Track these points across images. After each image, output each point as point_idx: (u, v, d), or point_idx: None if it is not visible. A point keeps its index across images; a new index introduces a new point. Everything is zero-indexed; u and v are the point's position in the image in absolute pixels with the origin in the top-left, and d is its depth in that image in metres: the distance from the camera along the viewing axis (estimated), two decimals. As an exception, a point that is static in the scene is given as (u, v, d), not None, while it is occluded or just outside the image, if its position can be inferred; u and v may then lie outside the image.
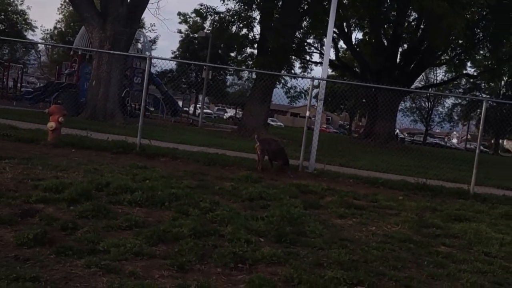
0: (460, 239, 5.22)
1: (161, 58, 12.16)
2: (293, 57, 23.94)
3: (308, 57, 29.82)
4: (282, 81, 22.60)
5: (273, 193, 6.50)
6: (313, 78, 9.10)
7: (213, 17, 23.60)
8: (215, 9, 22.74)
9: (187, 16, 49.29)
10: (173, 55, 51.86)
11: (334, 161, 12.15)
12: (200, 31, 29.02)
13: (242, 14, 20.85)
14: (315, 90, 12.25)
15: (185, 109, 31.26)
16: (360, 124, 70.61)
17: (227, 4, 20.65)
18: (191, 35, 50.20)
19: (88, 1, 17.75)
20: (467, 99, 51.67)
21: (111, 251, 3.38)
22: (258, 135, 9.12)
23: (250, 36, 21.98)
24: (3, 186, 5.06)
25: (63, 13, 60.49)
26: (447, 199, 8.29)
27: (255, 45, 22.03)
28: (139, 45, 31.44)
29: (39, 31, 70.96)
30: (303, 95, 23.72)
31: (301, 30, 23.69)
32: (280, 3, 20.69)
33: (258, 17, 21.07)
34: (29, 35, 57.47)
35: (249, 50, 22.75)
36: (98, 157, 8.26)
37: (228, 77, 58.87)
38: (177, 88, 51.48)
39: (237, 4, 20.97)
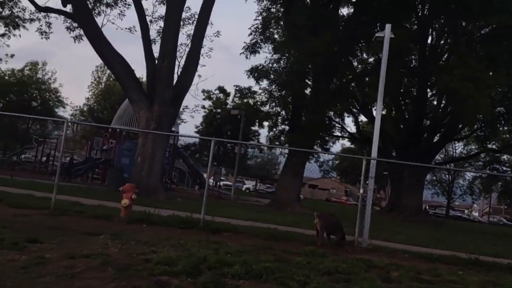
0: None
1: (218, 139, 13.01)
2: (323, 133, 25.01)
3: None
4: (316, 156, 23.48)
5: (346, 267, 7.00)
6: (365, 158, 9.81)
7: (248, 97, 25.00)
8: (250, 88, 24.22)
9: (211, 93, 51.86)
10: (196, 130, 53.67)
11: (376, 236, 12.59)
12: (233, 110, 30.53)
13: (276, 94, 22.21)
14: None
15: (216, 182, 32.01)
16: (379, 196, 70.39)
17: (261, 85, 22.13)
18: (214, 111, 52.28)
19: (137, 85, 19.21)
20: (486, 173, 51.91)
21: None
22: (317, 212, 9.69)
23: (281, 114, 23.20)
24: (119, 260, 5.71)
25: (93, 91, 63.87)
26: (501, 274, 8.64)
27: (286, 122, 23.18)
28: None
29: (68, 107, 74.31)
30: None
31: (331, 108, 24.94)
32: (311, 82, 22.08)
33: (290, 96, 22.33)
34: (60, 111, 60.33)
35: (281, 126, 23.92)
36: (170, 232, 8.89)
37: (249, 150, 60.26)
38: (199, 160, 52.78)
39: (272, 86, 22.40)
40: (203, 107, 52.81)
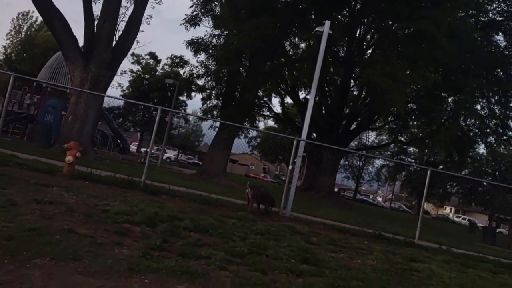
0: (421, 273, 7.13)
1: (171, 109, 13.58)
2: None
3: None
4: (245, 132, 24.55)
5: (275, 230, 8.14)
6: (296, 139, 10.99)
7: (179, 66, 25.36)
8: (187, 61, 24.65)
9: (140, 58, 50.92)
10: (122, 93, 52.47)
11: (295, 210, 14.00)
12: (168, 79, 30.62)
13: (212, 69, 22.87)
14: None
15: (142, 149, 32.09)
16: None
17: (199, 58, 22.54)
18: (142, 76, 51.44)
19: (74, 43, 18.93)
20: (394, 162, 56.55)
21: (211, 257, 4.91)
22: (249, 183, 10.74)
23: (216, 89, 23.95)
24: (81, 209, 6.35)
25: (11, 40, 59.92)
26: (399, 246, 10.31)
27: (220, 98, 23.99)
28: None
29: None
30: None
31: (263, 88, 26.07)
32: (248, 63, 23.01)
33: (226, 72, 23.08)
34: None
35: (214, 100, 24.66)
36: (113, 191, 9.48)
37: (175, 119, 60.16)
38: (121, 125, 52.01)
39: (209, 60, 23.03)
40: (132, 71, 51.69)
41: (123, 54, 19.80)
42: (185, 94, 47.30)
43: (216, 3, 23.81)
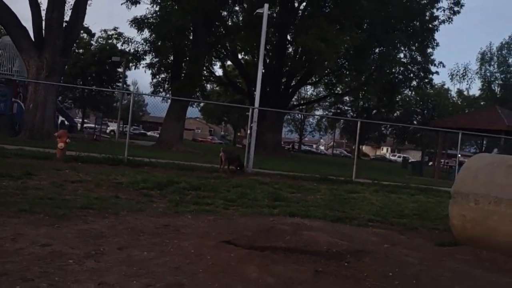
0: (356, 199, 9.77)
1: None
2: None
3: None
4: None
5: (246, 183, 10.48)
6: (251, 108, 13.23)
7: (130, 45, 26.54)
8: (132, 39, 25.82)
9: (75, 33, 50.36)
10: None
11: (254, 166, 16.43)
12: (114, 56, 31.46)
13: (158, 44, 24.31)
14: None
15: (92, 125, 33.05)
16: (239, 134, 76.11)
17: (142, 34, 23.80)
18: (76, 51, 51.06)
19: (25, 35, 19.76)
20: (332, 112, 60.39)
21: (214, 203, 7.18)
22: (223, 148, 12.94)
23: (163, 63, 25.49)
24: (102, 182, 8.33)
25: None
26: (340, 185, 13.02)
27: (169, 70, 25.58)
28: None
29: None
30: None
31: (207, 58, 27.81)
32: (191, 37, 24.66)
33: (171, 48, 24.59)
34: None
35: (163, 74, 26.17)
36: (104, 168, 11.35)
37: (115, 93, 60.28)
38: (62, 103, 51.88)
39: (152, 37, 24.40)
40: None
41: (74, 39, 20.86)
42: (125, 67, 48.09)
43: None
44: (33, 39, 20.26)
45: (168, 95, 24.77)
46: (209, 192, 8.60)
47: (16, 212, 5.04)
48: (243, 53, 35.78)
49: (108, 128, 71.18)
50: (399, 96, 45.93)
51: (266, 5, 13.76)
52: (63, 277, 3.15)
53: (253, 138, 13.62)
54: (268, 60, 34.62)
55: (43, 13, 20.33)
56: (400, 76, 34.88)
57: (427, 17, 32.00)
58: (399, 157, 74.41)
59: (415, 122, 62.71)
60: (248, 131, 13.36)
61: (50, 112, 20.39)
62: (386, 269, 4.04)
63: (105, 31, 47.70)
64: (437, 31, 32.30)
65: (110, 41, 47.75)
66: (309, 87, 58.07)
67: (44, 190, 6.92)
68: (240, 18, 30.54)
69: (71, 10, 21.05)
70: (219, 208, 6.89)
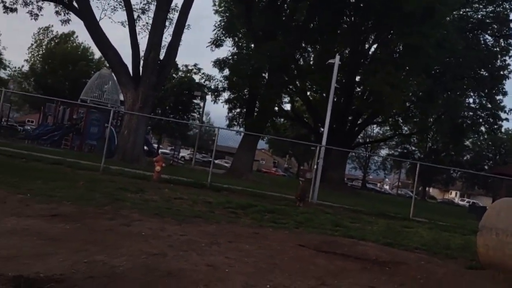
0: (409, 233, 11.11)
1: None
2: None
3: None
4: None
5: (312, 211, 12.16)
6: (318, 146, 14.99)
7: (211, 83, 29.62)
8: (213, 76, 28.82)
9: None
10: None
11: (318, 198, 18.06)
12: (196, 92, 34.75)
13: (233, 80, 27.01)
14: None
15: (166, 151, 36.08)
16: (302, 168, 77.43)
17: (223, 73, 26.68)
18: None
19: (126, 71, 22.98)
20: (398, 151, 60.54)
21: (288, 223, 8.95)
22: (300, 178, 14.73)
23: (239, 99, 28.09)
24: (197, 202, 10.37)
25: (33, 53, 63.79)
26: (397, 220, 14.29)
27: (244, 106, 28.10)
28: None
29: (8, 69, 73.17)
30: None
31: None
32: (267, 78, 27.17)
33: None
34: (1, 73, 60.34)
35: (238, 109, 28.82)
36: (191, 190, 13.48)
37: (190, 121, 64.17)
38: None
39: (232, 75, 27.14)
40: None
41: (165, 75, 23.83)
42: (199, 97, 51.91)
43: (239, 26, 27.74)
44: (131, 74, 23.48)
45: (241, 129, 27.20)
46: (282, 215, 10.39)
47: (152, 215, 7.13)
48: (313, 90, 37.84)
49: (180, 154, 75.62)
50: (469, 140, 45.81)
51: (338, 57, 15.66)
52: (202, 252, 5.07)
53: (318, 173, 15.30)
54: (335, 98, 36.34)
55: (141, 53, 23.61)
56: (469, 121, 35.29)
57: (497, 64, 32.57)
58: (467, 202, 72.24)
59: (485, 167, 61.26)
60: (315, 167, 15.07)
61: (140, 139, 23.29)
62: (417, 274, 5.61)
63: (186, 65, 51.98)
64: (508, 78, 32.76)
65: (189, 74, 51.95)
66: (375, 126, 58.99)
67: (158, 202, 9.06)
68: (311, 58, 32.77)
69: (165, 50, 24.11)
70: (291, 227, 8.65)
